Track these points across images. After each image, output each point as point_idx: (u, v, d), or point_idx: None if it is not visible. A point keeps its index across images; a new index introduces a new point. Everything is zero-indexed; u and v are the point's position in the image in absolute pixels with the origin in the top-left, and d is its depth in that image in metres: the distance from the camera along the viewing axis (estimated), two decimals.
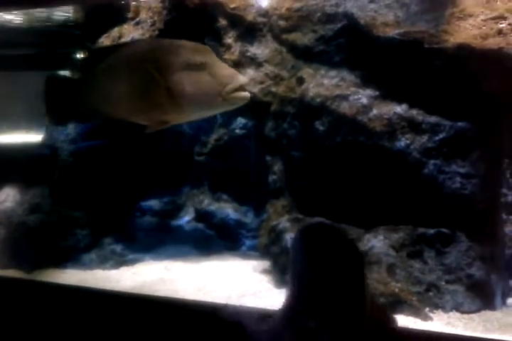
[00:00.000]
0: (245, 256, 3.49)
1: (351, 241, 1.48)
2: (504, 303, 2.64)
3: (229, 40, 3.28)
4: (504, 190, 2.76)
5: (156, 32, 3.40)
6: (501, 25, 2.62)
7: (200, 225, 3.72)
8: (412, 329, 2.32)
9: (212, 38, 3.29)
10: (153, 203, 3.77)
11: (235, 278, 3.09)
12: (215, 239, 3.63)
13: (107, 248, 3.51)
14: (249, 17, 3.29)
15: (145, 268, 3.39)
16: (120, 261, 3.46)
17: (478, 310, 2.52)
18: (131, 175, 3.63)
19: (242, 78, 2.01)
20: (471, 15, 2.68)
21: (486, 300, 2.55)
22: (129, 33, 3.56)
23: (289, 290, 1.46)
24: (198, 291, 2.90)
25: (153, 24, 3.40)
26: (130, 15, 3.60)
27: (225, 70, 2.03)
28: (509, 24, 2.61)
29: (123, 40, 3.56)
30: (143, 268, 3.40)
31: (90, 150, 3.58)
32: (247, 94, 1.99)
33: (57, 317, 2.96)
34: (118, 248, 3.51)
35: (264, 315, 1.61)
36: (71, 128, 3.63)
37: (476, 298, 2.53)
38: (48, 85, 2.42)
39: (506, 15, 2.63)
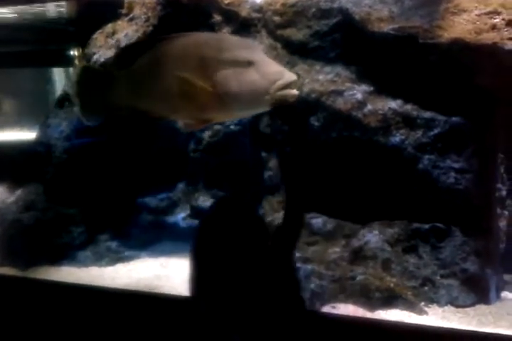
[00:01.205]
0: None
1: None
2: (498, 297, 2.66)
3: None
4: (499, 185, 2.77)
5: (151, 28, 3.39)
6: (495, 20, 2.62)
7: (196, 222, 3.70)
8: (407, 323, 2.34)
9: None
10: (149, 200, 3.75)
11: None
12: None
13: (102, 245, 3.50)
14: (244, 13, 3.28)
15: (141, 264, 3.39)
16: (116, 258, 3.45)
17: (472, 304, 2.54)
18: (126, 172, 3.62)
19: (291, 75, 1.86)
20: (465, 11, 2.69)
21: (480, 294, 2.57)
22: (123, 28, 3.54)
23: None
24: None
25: (147, 20, 3.39)
26: (124, 11, 3.58)
27: (273, 67, 1.90)
28: (503, 19, 2.61)
29: (117, 36, 3.55)
30: (139, 265, 3.39)
31: (85, 148, 3.56)
32: (295, 91, 1.85)
33: (53, 314, 2.96)
34: (113, 245, 3.50)
35: None
36: (65, 126, 3.62)
37: (471, 292, 2.55)
38: (81, 76, 2.22)
39: (500, 10, 2.63)
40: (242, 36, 3.25)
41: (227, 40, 2.05)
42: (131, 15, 3.52)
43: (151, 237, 3.64)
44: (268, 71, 1.86)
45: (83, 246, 3.48)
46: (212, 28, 3.31)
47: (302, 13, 3.13)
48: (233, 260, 1.35)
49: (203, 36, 2.12)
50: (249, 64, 1.87)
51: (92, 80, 2.19)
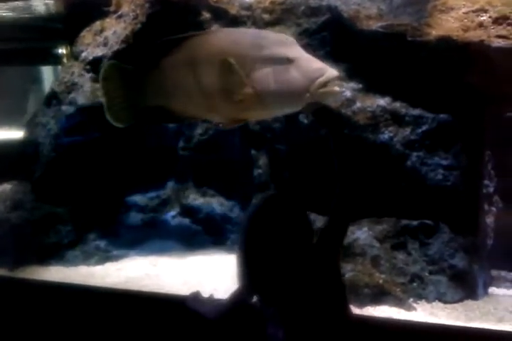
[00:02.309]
0: (231, 250, 3.47)
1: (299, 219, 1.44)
2: (486, 293, 2.69)
3: None
4: (486, 182, 2.80)
5: (139, 25, 3.37)
6: (482, 18, 2.64)
7: (186, 220, 3.70)
8: (396, 319, 2.35)
9: (195, 31, 3.26)
10: (138, 198, 3.74)
11: (221, 272, 3.08)
12: (201, 234, 3.61)
13: (91, 244, 3.47)
14: (233, 10, 3.28)
15: (130, 263, 3.37)
16: (105, 257, 3.43)
17: (460, 300, 2.56)
18: (115, 170, 3.60)
19: (333, 71, 1.76)
20: (452, 8, 2.71)
21: (468, 289, 2.59)
22: (111, 26, 3.52)
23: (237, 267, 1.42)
24: (183, 286, 2.88)
25: (135, 17, 3.37)
26: (112, 8, 3.56)
27: (314, 64, 1.81)
28: (490, 17, 2.63)
29: (105, 33, 3.53)
30: (128, 263, 3.37)
31: (73, 146, 3.54)
32: (337, 88, 1.78)
33: (42, 314, 2.94)
34: (102, 244, 3.48)
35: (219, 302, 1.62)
36: (53, 124, 3.59)
37: (459, 288, 2.57)
38: (108, 74, 2.07)
39: (487, 7, 2.65)
40: None
41: (264, 36, 1.94)
42: (119, 13, 3.50)
43: (140, 236, 3.63)
44: (309, 68, 1.78)
45: (72, 245, 3.45)
46: (201, 25, 3.30)
47: (291, 11, 3.13)
48: (279, 256, 1.35)
49: (237, 32, 2.01)
50: (288, 61, 1.79)
51: (120, 78, 2.05)
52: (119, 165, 3.59)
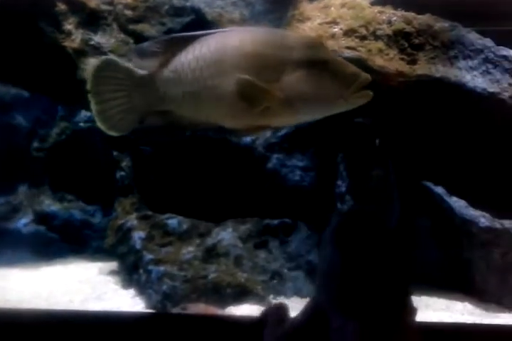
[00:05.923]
0: (92, 258, 3.29)
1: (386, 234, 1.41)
2: None
3: (69, 26, 3.03)
4: (339, 182, 3.01)
5: None
6: (334, 30, 2.84)
7: (41, 228, 3.41)
8: (252, 316, 2.38)
9: (48, 23, 3.02)
10: None
11: (79, 282, 2.90)
12: (58, 243, 3.36)
13: None
14: (92, 4, 3.08)
15: None
16: None
17: None
18: None
19: (366, 76, 1.69)
20: (309, 19, 2.87)
21: None
22: None
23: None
24: (35, 299, 2.64)
25: None
26: None
27: (348, 67, 1.72)
28: (341, 29, 2.85)
29: None
30: None
31: None
32: (370, 92, 1.69)
33: None
34: None
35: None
36: None
37: (314, 283, 2.72)
38: (101, 72, 1.78)
39: (338, 20, 2.86)
40: (90, 28, 3.08)
41: (292, 37, 1.82)
42: None
43: None
44: (344, 72, 1.69)
45: None
46: (55, 17, 3.06)
47: (155, 9, 3.07)
48: (371, 270, 1.32)
49: (261, 32, 1.84)
50: (322, 64, 1.68)
51: (118, 78, 1.80)
52: None
